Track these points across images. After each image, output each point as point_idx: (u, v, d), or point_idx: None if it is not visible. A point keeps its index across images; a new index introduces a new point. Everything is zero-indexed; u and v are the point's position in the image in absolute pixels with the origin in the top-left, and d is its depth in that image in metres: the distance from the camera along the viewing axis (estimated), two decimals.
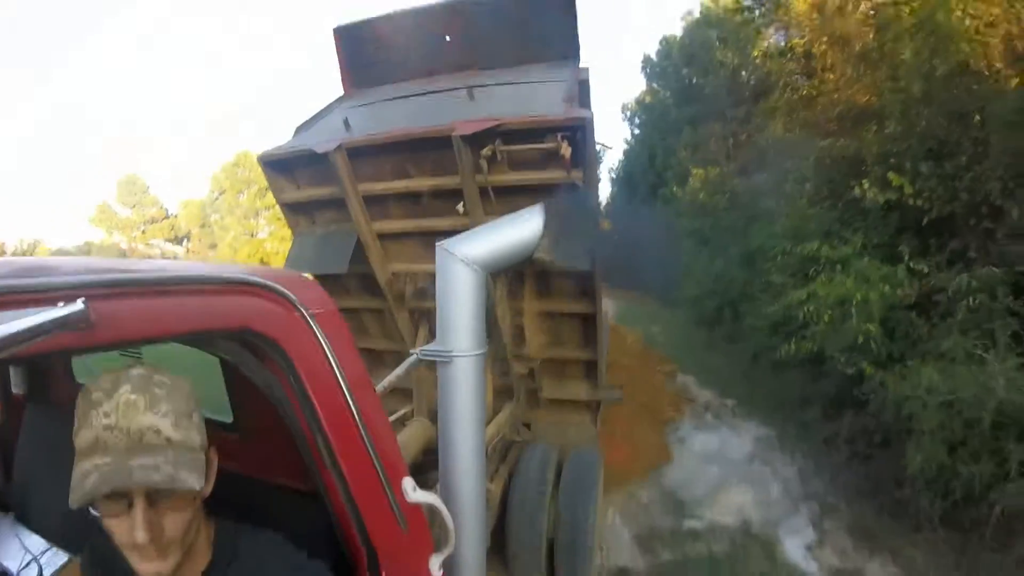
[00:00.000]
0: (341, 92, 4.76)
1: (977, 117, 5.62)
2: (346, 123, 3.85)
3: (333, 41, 4.50)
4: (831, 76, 9.31)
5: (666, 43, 22.35)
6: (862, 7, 8.52)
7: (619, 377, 8.33)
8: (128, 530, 0.95)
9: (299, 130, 4.32)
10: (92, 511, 0.97)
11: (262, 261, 37.69)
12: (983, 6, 6.08)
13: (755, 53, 12.09)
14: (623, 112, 32.53)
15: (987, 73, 5.82)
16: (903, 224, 6.34)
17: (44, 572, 1.66)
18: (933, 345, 5.09)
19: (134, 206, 46.34)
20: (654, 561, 4.91)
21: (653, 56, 24.06)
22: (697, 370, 10.75)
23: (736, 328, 11.13)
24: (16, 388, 2.11)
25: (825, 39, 9.29)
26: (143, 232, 46.86)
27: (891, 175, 5.99)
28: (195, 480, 0.97)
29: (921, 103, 6.10)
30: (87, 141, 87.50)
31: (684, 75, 19.21)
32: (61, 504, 1.50)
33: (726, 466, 6.63)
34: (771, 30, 12.09)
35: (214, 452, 1.13)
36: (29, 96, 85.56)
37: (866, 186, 6.31)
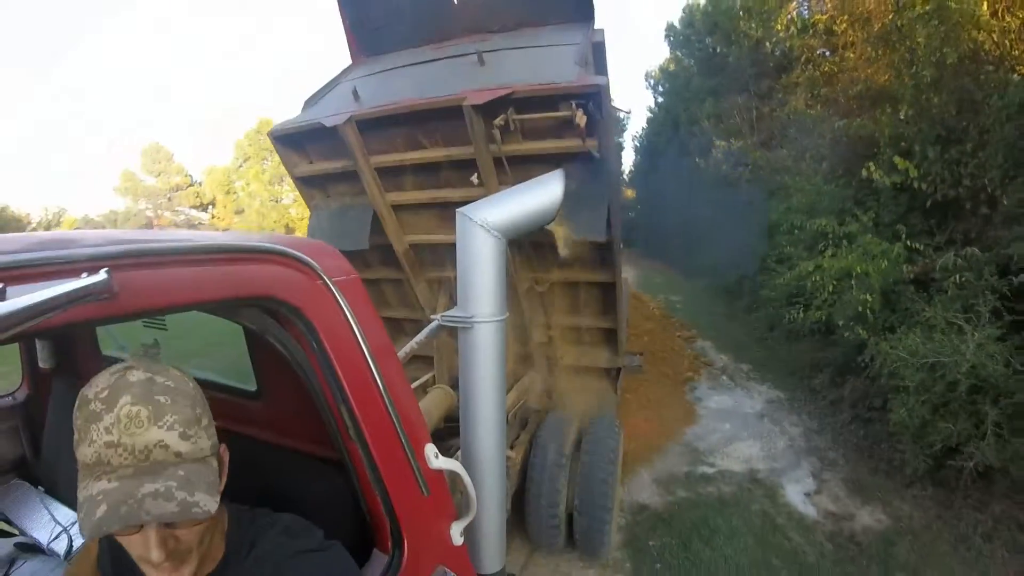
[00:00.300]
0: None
1: (984, 106, 5.71)
2: (355, 94, 3.77)
3: (337, 7, 4.32)
4: (851, 55, 9.37)
5: (689, 11, 21.93)
6: None
7: (641, 340, 9.90)
8: (142, 547, 0.91)
9: (308, 103, 4.24)
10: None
11: (287, 227, 37.96)
12: None
13: (778, 27, 11.87)
14: (646, 79, 32.26)
15: (1000, 61, 5.87)
16: (912, 205, 6.60)
17: (74, 543, 1.70)
18: (924, 316, 5.43)
19: (159, 174, 46.62)
20: (670, 499, 5.45)
21: (676, 24, 23.66)
22: (715, 336, 11.32)
23: (754, 298, 11.34)
24: (43, 363, 2.14)
25: (846, 17, 9.29)
26: (169, 200, 47.24)
27: (897, 159, 6.29)
28: (210, 502, 0.90)
29: (932, 89, 6.28)
30: (87, 141, 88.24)
31: (707, 44, 18.82)
32: None
33: (738, 423, 7.21)
34: (794, 3, 11.93)
35: (225, 450, 1.08)
36: (29, 96, 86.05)
37: (873, 168, 6.62)
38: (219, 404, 1.80)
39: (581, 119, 3.12)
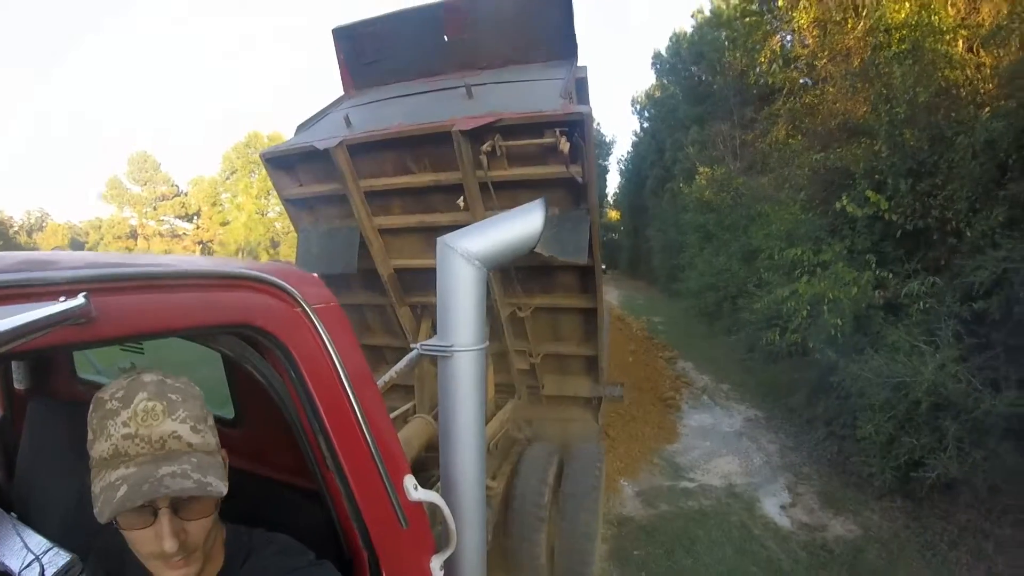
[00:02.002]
0: (340, 92, 4.77)
1: (953, 142, 6.07)
2: (347, 120, 3.85)
3: (332, 43, 4.51)
4: (831, 89, 9.78)
5: (676, 39, 22.46)
6: (861, 25, 8.93)
7: (625, 360, 10.32)
8: (154, 540, 0.94)
9: (300, 128, 4.33)
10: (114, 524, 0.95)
11: (272, 240, 37.80)
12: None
13: (761, 59, 12.29)
14: (632, 105, 32.97)
15: (973, 97, 6.28)
16: (885, 234, 6.99)
17: (46, 572, 1.65)
18: (890, 340, 5.90)
19: (145, 183, 46.68)
20: (653, 512, 5.81)
21: (663, 52, 24.21)
22: (696, 357, 11.91)
23: (734, 321, 11.73)
24: (18, 384, 2.10)
25: (826, 53, 9.79)
26: (154, 209, 47.13)
27: (869, 192, 6.73)
28: (221, 485, 0.97)
29: (905, 125, 6.70)
30: (83, 143, 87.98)
31: (693, 73, 19.30)
32: (63, 502, 1.49)
33: (717, 440, 7.69)
34: (777, 37, 12.31)
35: (225, 454, 1.12)
36: (29, 96, 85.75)
37: (845, 201, 7.09)
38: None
39: (565, 146, 3.21)
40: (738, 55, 14.20)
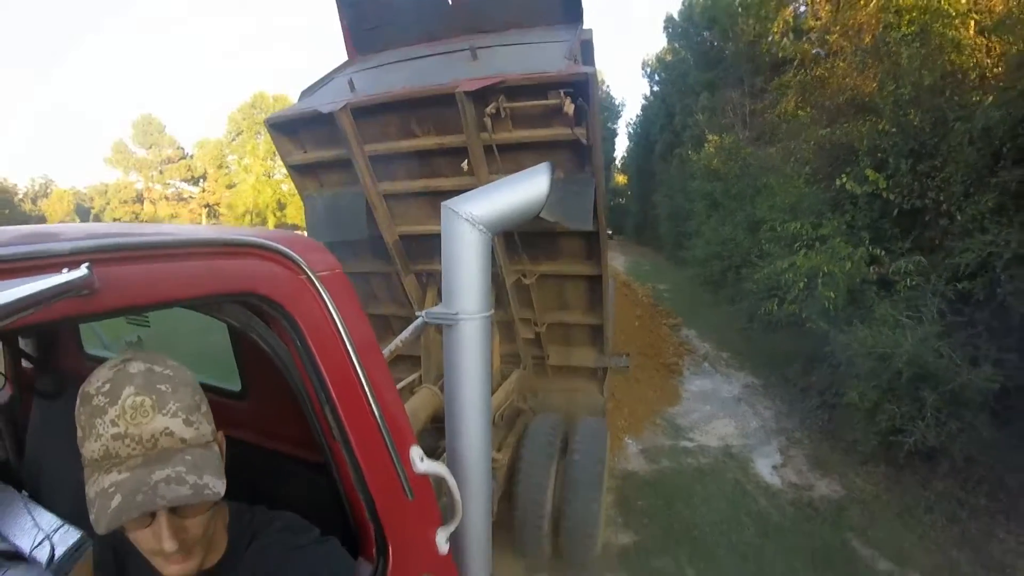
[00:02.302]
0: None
1: (954, 127, 6.25)
2: (351, 84, 3.83)
3: (335, 6, 4.45)
4: (841, 63, 9.82)
5: (689, 3, 22.13)
6: (874, 3, 9.03)
7: (631, 326, 10.72)
8: (153, 539, 0.93)
9: (304, 94, 4.30)
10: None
11: (279, 202, 37.69)
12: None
13: (774, 29, 12.19)
14: (643, 68, 32.62)
15: (981, 81, 6.42)
16: (884, 211, 7.21)
17: (57, 550, 1.66)
18: (877, 313, 6.19)
19: (151, 146, 46.56)
20: (655, 467, 6.28)
21: (675, 16, 23.86)
22: (700, 325, 12.33)
23: (738, 290, 11.85)
24: (26, 362, 2.10)
25: (838, 27, 9.90)
26: (160, 172, 47.07)
27: (868, 171, 6.99)
28: (219, 484, 0.94)
29: (909, 106, 6.95)
30: (91, 108, 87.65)
31: (705, 38, 19.01)
32: (73, 480, 1.50)
33: (716, 404, 8.11)
34: (790, 8, 12.17)
35: (221, 435, 1.09)
36: (29, 96, 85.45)
37: (845, 179, 7.37)
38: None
39: (569, 107, 3.21)
40: (751, 22, 14.01)
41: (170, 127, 47.41)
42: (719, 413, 7.80)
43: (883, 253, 6.74)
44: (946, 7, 6.96)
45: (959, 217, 5.94)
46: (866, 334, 5.88)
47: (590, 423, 4.59)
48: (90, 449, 0.90)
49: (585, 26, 3.90)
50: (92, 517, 0.87)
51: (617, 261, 20.72)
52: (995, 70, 6.43)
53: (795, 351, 8.40)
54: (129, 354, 0.97)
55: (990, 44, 6.67)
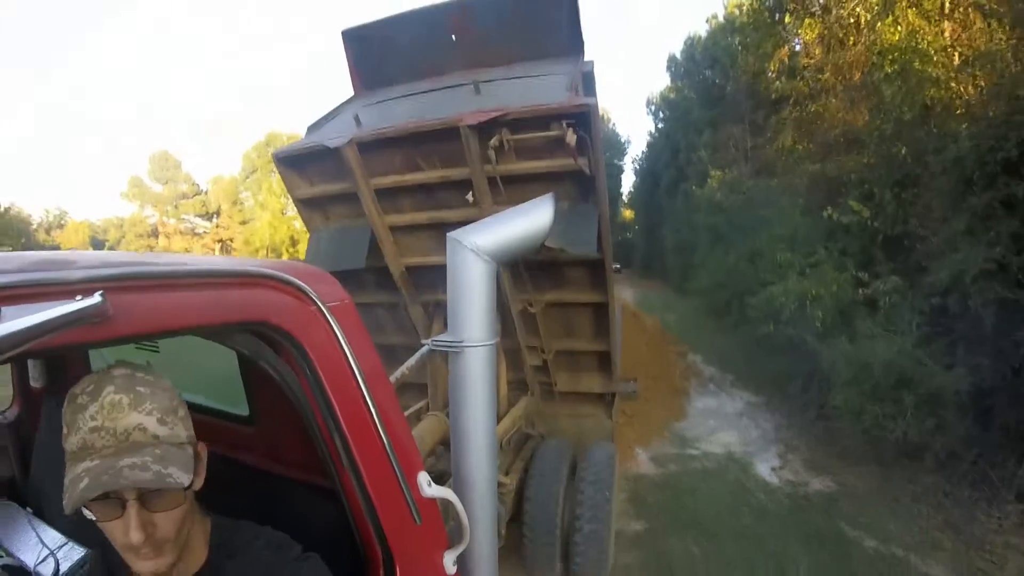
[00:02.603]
0: (350, 93, 4.80)
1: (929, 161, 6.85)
2: (356, 119, 3.88)
3: (342, 45, 4.55)
4: (834, 100, 10.31)
5: (690, 43, 22.64)
6: (859, 45, 9.50)
7: (639, 352, 10.92)
8: (123, 532, 0.96)
9: (311, 129, 4.36)
10: (87, 514, 0.97)
11: (292, 238, 37.85)
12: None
13: (771, 68, 12.63)
14: (648, 106, 33.18)
15: (960, 113, 6.82)
16: (872, 239, 7.83)
17: (61, 566, 1.66)
18: (860, 329, 6.90)
19: (166, 182, 47.02)
20: (664, 471, 6.95)
21: (678, 55, 24.38)
22: (705, 351, 12.87)
23: (741, 317, 12.20)
24: (35, 382, 2.12)
25: (829, 67, 10.31)
26: (175, 207, 47.51)
27: (852, 202, 7.67)
28: (184, 476, 0.98)
29: (892, 140, 7.53)
30: (87, 141, 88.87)
31: (707, 76, 19.37)
32: None
33: (720, 419, 8.81)
34: (786, 48, 12.59)
35: (203, 447, 1.13)
36: (29, 96, 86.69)
37: (831, 211, 8.06)
38: (211, 428, 1.78)
39: (571, 138, 3.24)
40: (750, 60, 14.35)
41: (184, 163, 47.92)
42: (723, 426, 8.45)
43: (867, 276, 7.39)
44: (924, 46, 7.41)
45: (933, 240, 6.58)
46: (848, 347, 6.69)
47: (599, 447, 4.58)
48: (71, 442, 0.95)
49: (587, 58, 3.94)
50: (63, 501, 0.91)
51: (626, 293, 21.24)
52: (977, 100, 6.78)
53: (795, 371, 8.82)
54: (116, 363, 1.02)
55: (975, 76, 6.99)
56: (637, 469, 6.93)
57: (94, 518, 0.96)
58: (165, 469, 0.94)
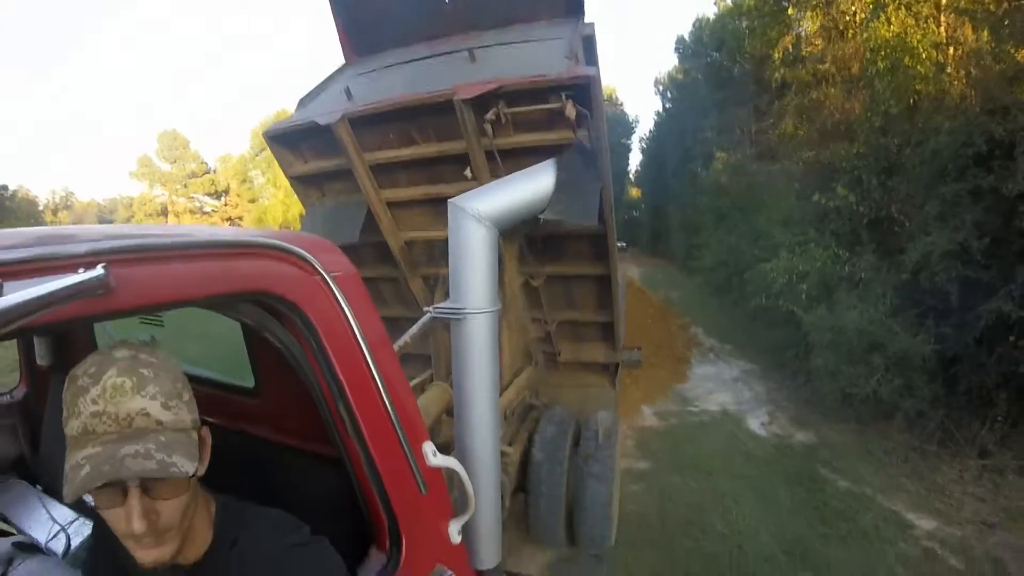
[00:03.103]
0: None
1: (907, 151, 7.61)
2: (347, 93, 3.76)
3: (329, 8, 4.30)
4: (832, 90, 10.72)
5: (698, 25, 22.57)
6: (857, 39, 9.99)
7: (644, 325, 12.68)
8: (124, 520, 0.93)
9: (302, 103, 4.23)
10: (89, 501, 0.95)
11: (301, 215, 37.86)
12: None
13: (776, 54, 12.60)
14: (656, 85, 33.19)
15: (951, 104, 7.27)
16: (860, 221, 8.49)
17: (72, 542, 1.69)
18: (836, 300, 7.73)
19: (175, 161, 46.99)
20: (665, 423, 7.80)
21: (686, 37, 24.36)
22: (706, 324, 13.72)
23: (741, 294, 12.75)
24: (41, 360, 2.13)
25: (829, 57, 10.82)
26: (184, 186, 47.53)
27: (840, 188, 8.36)
28: (188, 465, 0.95)
29: (880, 132, 8.20)
30: (88, 138, 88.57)
31: (715, 59, 19.27)
32: None
33: (718, 383, 9.64)
34: (791, 35, 12.69)
35: (206, 431, 1.10)
36: (28, 95, 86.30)
37: (818, 196, 8.85)
38: (217, 400, 1.79)
39: (571, 110, 3.12)
40: (756, 45, 14.34)
41: (193, 142, 47.96)
42: (720, 389, 9.33)
43: (848, 254, 8.16)
44: (915, 44, 7.86)
45: (907, 224, 7.43)
46: (827, 314, 7.53)
47: (602, 417, 4.54)
48: (71, 427, 0.92)
49: (587, 20, 3.76)
50: (64, 489, 0.89)
51: (632, 271, 22.05)
52: (959, 98, 7.34)
53: (788, 342, 9.50)
54: (118, 343, 0.99)
55: (959, 73, 7.58)
56: (642, 423, 7.79)
57: (95, 505, 0.95)
58: (169, 458, 0.92)
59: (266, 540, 1.14)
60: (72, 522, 1.73)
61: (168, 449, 0.93)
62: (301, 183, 4.40)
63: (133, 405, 0.92)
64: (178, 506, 0.99)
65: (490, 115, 3.32)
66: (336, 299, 1.22)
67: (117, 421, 0.91)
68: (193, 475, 0.98)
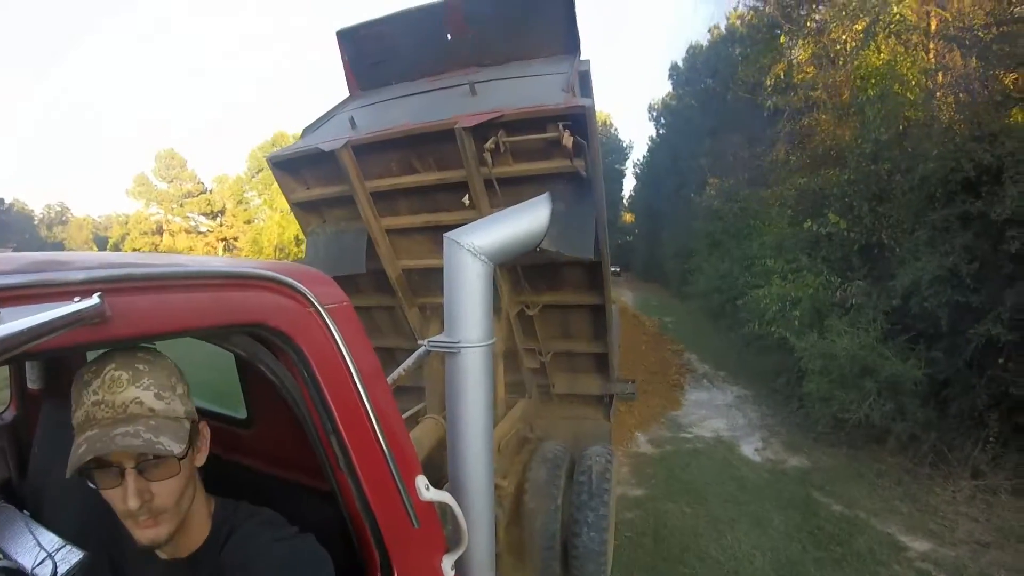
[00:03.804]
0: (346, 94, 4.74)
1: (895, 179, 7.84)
2: (352, 122, 3.84)
3: (336, 45, 4.48)
4: (824, 116, 11.03)
5: (692, 52, 22.90)
6: (847, 68, 10.22)
7: (638, 352, 12.82)
8: (122, 499, 1.02)
9: (306, 131, 4.31)
10: (91, 485, 1.03)
11: (297, 237, 37.80)
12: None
13: (768, 82, 12.95)
14: (649, 111, 33.48)
15: (940, 129, 7.48)
16: (851, 247, 8.75)
17: (59, 569, 1.66)
18: (829, 326, 7.85)
19: (172, 180, 47.21)
20: (660, 450, 7.97)
21: (680, 63, 24.65)
22: (700, 350, 14.15)
23: (735, 320, 13.00)
24: (32, 384, 2.11)
25: (820, 84, 11.04)
26: (180, 206, 47.67)
27: (831, 215, 8.56)
28: (175, 445, 1.03)
29: (870, 158, 8.39)
30: (88, 141, 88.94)
31: (708, 85, 19.57)
32: (76, 500, 1.50)
33: (712, 409, 9.88)
34: (783, 63, 12.96)
35: (205, 425, 1.21)
36: (29, 95, 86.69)
37: (809, 223, 9.10)
38: (210, 431, 1.78)
39: (568, 140, 3.19)
40: (750, 72, 14.62)
41: (190, 162, 48.26)
42: (714, 415, 9.56)
43: (839, 281, 8.36)
44: (904, 71, 8.13)
45: (898, 250, 7.52)
46: (818, 341, 7.66)
47: (596, 451, 4.55)
48: (76, 416, 1.02)
49: (583, 58, 3.89)
50: (67, 468, 0.98)
51: (626, 296, 22.93)
52: (947, 124, 7.47)
53: (781, 369, 9.83)
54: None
55: (948, 100, 7.82)
56: (637, 449, 7.97)
57: (97, 486, 1.03)
58: (156, 438, 1.00)
59: (258, 533, 1.23)
60: (59, 549, 1.70)
61: (156, 431, 1.01)
62: (302, 208, 4.43)
63: (128, 394, 1.02)
64: (171, 488, 1.07)
65: (490, 144, 3.37)
66: (330, 332, 1.22)
67: (113, 408, 1.00)
68: (183, 457, 1.07)
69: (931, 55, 8.74)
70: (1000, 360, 6.02)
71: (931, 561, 4.88)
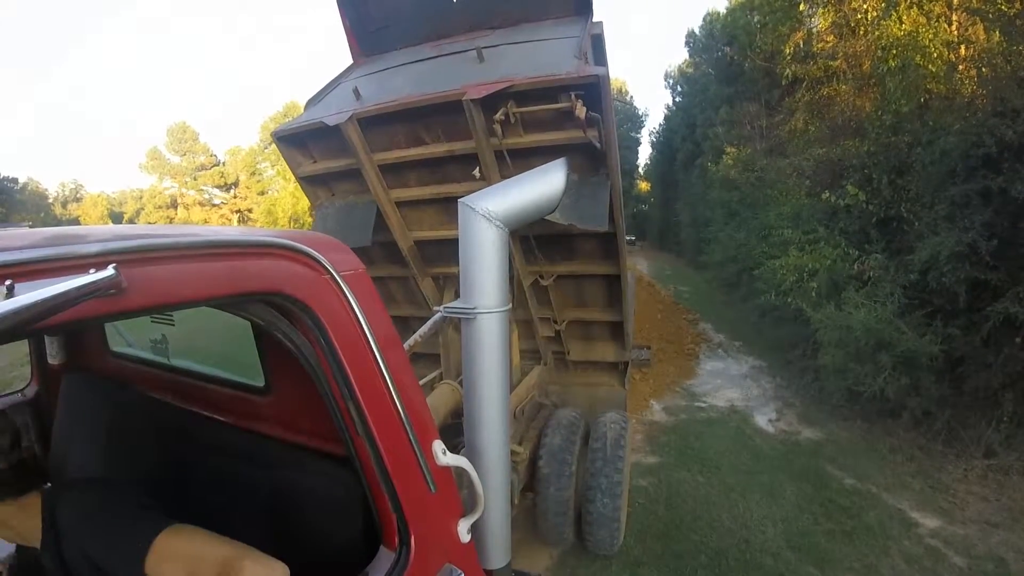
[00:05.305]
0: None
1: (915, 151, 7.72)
2: (356, 93, 3.75)
3: (336, 8, 4.24)
4: (843, 87, 10.97)
5: (709, 19, 22.57)
6: (868, 36, 10.08)
7: (654, 319, 13.11)
8: None
9: (310, 103, 4.22)
10: None
11: (310, 208, 37.96)
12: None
13: (787, 50, 12.68)
14: (666, 79, 33.13)
15: (951, 109, 7.37)
16: (869, 220, 8.60)
17: None
18: (846, 298, 7.72)
19: (184, 153, 47.37)
20: (674, 419, 7.98)
21: (696, 31, 24.34)
22: (715, 320, 14.23)
23: (750, 290, 12.93)
24: (52, 359, 2.14)
25: (841, 54, 10.95)
26: (194, 179, 47.91)
27: (850, 187, 8.35)
28: None
29: (891, 130, 8.36)
30: (88, 140, 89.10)
31: (726, 53, 19.25)
32: (97, 471, 1.53)
33: (726, 379, 9.91)
34: (802, 31, 12.80)
35: None
36: (28, 95, 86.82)
37: (827, 195, 9.03)
38: (228, 399, 1.80)
39: (580, 110, 3.09)
40: (768, 40, 14.34)
41: (202, 135, 48.27)
42: (728, 385, 9.54)
43: (857, 253, 8.19)
44: (926, 42, 7.93)
45: (916, 224, 7.43)
46: (834, 312, 7.54)
47: (611, 417, 4.54)
48: None
49: (596, 19, 3.72)
50: None
51: (641, 265, 22.96)
52: (969, 99, 7.37)
53: (798, 339, 9.69)
54: None
55: (970, 73, 7.64)
56: (651, 417, 8.01)
57: None
58: None
59: None
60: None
61: None
62: (310, 183, 4.40)
63: None
64: None
65: (499, 115, 3.29)
66: (346, 298, 1.22)
67: None
68: None
69: (953, 27, 8.53)
70: (1017, 339, 5.93)
71: (940, 538, 4.88)
